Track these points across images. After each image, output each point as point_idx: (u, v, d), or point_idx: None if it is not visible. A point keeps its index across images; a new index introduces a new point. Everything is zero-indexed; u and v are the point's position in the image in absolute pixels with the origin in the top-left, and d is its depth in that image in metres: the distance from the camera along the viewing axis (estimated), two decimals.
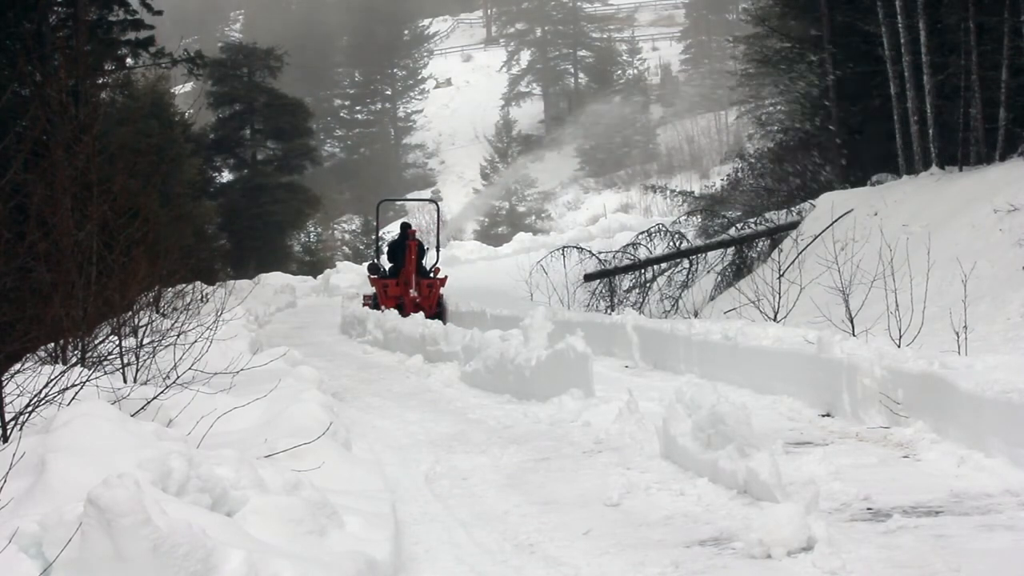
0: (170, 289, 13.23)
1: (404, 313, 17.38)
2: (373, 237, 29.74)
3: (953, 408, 6.82)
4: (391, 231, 33.45)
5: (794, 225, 18.86)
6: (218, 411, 6.78)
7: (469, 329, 13.26)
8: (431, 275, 19.38)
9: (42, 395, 6.18)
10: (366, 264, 26.22)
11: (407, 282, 18.58)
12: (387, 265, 19.71)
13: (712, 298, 19.00)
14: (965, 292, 9.95)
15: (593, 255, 21.07)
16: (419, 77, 70.21)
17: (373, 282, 19.86)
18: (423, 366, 13.13)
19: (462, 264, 33.31)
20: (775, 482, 5.73)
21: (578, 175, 60.44)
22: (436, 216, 25.58)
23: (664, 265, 20.46)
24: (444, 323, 17.25)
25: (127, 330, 9.20)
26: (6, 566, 3.73)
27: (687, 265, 20.36)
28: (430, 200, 33.86)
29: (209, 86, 37.39)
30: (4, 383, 6.05)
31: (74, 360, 8.05)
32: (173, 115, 28.59)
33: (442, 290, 19.36)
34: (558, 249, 21.83)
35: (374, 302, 19.46)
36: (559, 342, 9.96)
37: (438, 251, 21.41)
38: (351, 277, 30.40)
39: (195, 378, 8.17)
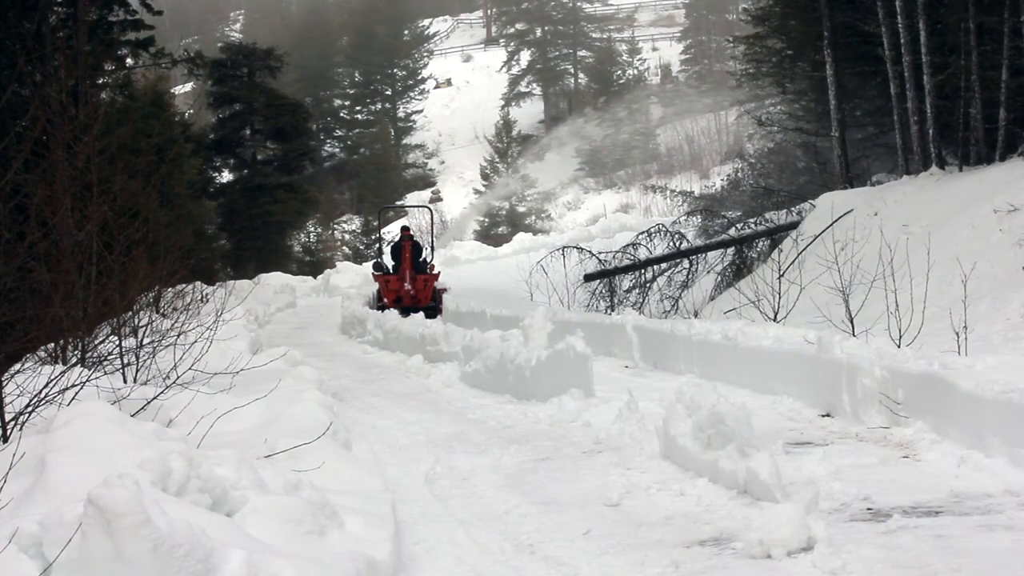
0: (170, 289, 13.23)
1: (402, 304, 19.33)
2: (374, 237, 31.04)
3: (953, 408, 6.82)
4: (392, 231, 34.02)
5: (794, 225, 18.88)
6: (218, 411, 6.78)
7: (469, 329, 13.26)
8: (427, 271, 20.79)
9: (42, 395, 6.18)
10: (369, 263, 28.11)
11: (402, 276, 20.10)
12: (390, 263, 21.09)
13: (712, 298, 19.01)
14: (965, 292, 9.95)
15: (593, 255, 21.09)
16: (419, 77, 70.14)
17: (376, 278, 21.24)
18: (423, 366, 13.12)
19: (462, 264, 33.32)
20: (775, 482, 5.73)
21: (578, 175, 60.42)
22: (433, 219, 27.61)
23: (664, 265, 20.47)
24: (440, 313, 18.98)
25: (127, 330, 9.19)
26: (6, 566, 3.72)
27: (687, 265, 20.37)
28: (424, 206, 35.25)
29: (209, 86, 37.41)
30: (4, 383, 6.05)
31: (74, 360, 8.05)
32: (173, 115, 28.56)
33: (438, 284, 20.80)
34: (558, 249, 21.91)
35: (376, 301, 20.55)
36: (559, 342, 9.96)
37: (433, 250, 23.22)
38: (351, 277, 30.41)
39: (195, 378, 8.17)
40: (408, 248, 20.32)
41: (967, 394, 6.67)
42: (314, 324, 21.39)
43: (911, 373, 7.49)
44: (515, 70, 71.45)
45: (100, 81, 20.37)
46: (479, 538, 5.58)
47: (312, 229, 42.99)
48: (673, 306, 19.31)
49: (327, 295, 28.56)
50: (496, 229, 50.15)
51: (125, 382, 8.25)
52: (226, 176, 38.85)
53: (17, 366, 6.67)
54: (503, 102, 68.36)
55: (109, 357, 8.57)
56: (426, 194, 59.49)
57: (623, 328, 12.76)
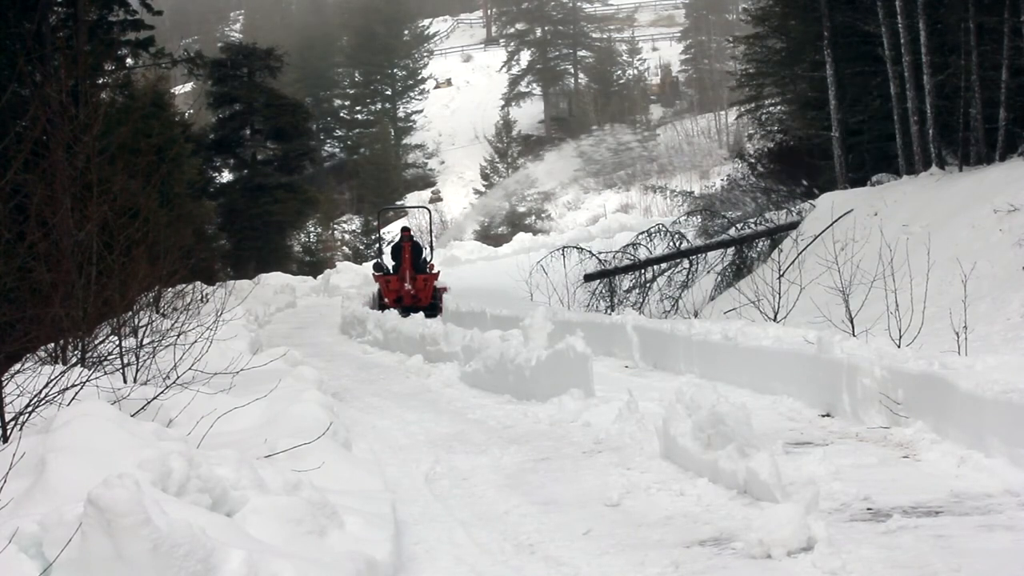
0: (170, 289, 13.22)
1: (403, 304, 19.63)
2: (374, 237, 31.20)
3: (953, 408, 6.82)
4: (392, 231, 34.17)
5: (794, 225, 18.88)
6: (218, 411, 6.78)
7: (469, 329, 13.26)
8: (427, 271, 20.97)
9: (42, 395, 6.18)
10: (369, 263, 28.40)
11: (402, 276, 20.36)
12: (391, 264, 21.29)
13: (712, 298, 19.01)
14: (965, 292, 9.95)
15: (593, 255, 21.10)
16: (419, 77, 70.18)
17: (377, 279, 21.42)
18: (423, 366, 13.12)
19: (462, 264, 33.32)
20: (775, 482, 5.73)
21: (578, 175, 60.44)
22: (434, 219, 27.85)
23: (664, 265, 20.47)
24: (440, 312, 19.17)
25: (127, 330, 9.19)
26: (6, 566, 3.72)
27: (687, 265, 20.38)
28: (423, 206, 35.47)
29: (209, 86, 37.39)
30: (4, 383, 6.05)
31: (74, 360, 8.04)
32: (173, 115, 28.54)
33: (437, 283, 21.05)
34: (558, 249, 21.93)
35: (376, 302, 20.71)
36: (559, 342, 9.95)
37: (432, 251, 23.58)
38: (351, 277, 30.40)
39: (195, 378, 8.17)
40: (408, 248, 20.53)
41: (967, 394, 6.66)
42: (314, 324, 21.39)
43: (911, 373, 7.49)
44: (515, 70, 71.51)
45: (100, 81, 20.33)
46: (479, 538, 5.58)
47: (312, 229, 42.99)
48: (673, 306, 19.32)
49: (327, 295, 28.55)
50: (496, 229, 50.15)
51: (125, 382, 8.25)
52: (226, 176, 38.83)
53: (17, 366, 6.67)
54: (503, 102, 68.40)
55: (109, 357, 8.57)
56: (426, 194, 59.48)
57: (623, 328, 12.76)
